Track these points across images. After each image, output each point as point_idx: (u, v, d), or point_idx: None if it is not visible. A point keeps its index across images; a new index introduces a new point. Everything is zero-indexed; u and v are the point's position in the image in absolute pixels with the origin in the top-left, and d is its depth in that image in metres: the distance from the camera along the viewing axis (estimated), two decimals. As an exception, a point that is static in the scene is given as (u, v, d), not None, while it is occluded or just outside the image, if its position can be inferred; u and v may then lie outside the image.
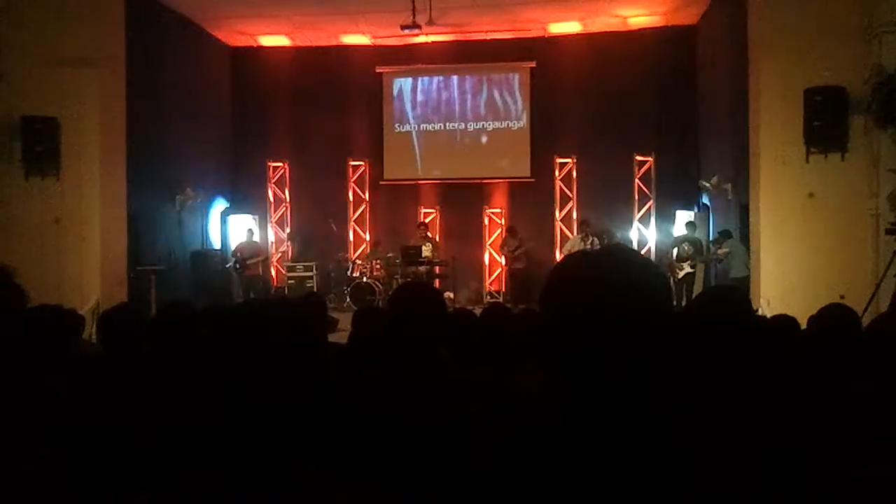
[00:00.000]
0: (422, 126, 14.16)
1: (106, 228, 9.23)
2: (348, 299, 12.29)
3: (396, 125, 14.21)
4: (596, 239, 11.81)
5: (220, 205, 13.71)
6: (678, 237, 11.19)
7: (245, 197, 14.22)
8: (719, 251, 10.12)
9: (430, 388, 2.04)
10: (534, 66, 13.70)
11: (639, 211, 13.41)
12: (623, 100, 13.08)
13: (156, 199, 11.42)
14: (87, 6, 9.10)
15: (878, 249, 7.53)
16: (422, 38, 13.18)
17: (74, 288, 8.67)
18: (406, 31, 11.53)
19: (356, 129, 14.20)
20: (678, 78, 13.09)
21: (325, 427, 1.72)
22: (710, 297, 2.39)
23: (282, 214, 14.37)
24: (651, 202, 13.31)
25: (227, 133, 14.26)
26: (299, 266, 13.50)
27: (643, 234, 13.46)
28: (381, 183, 14.17)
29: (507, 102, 13.96)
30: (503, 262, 13.42)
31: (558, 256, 12.80)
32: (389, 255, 12.73)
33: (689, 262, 10.61)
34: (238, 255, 12.43)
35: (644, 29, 13.11)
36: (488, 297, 13.54)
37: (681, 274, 10.59)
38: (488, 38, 13.54)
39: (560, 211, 13.59)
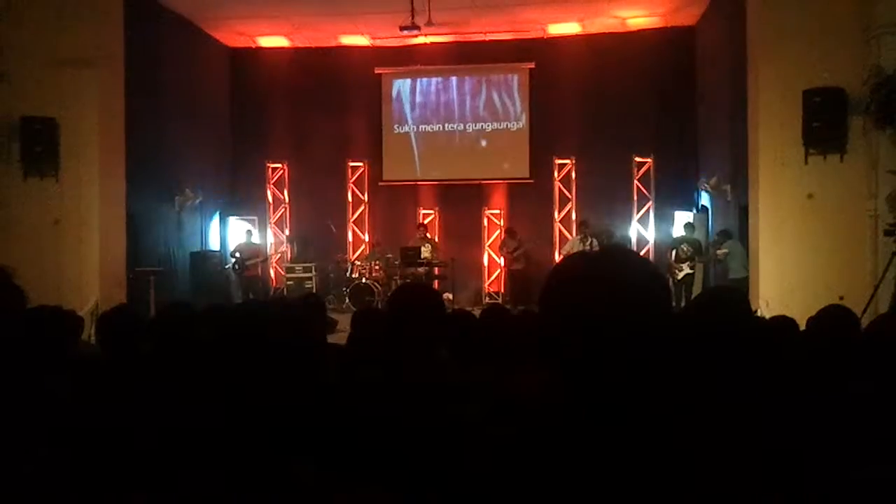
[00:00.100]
0: (421, 127, 14.15)
1: (105, 229, 9.22)
2: (347, 300, 12.28)
3: (395, 126, 14.20)
4: (595, 240, 11.80)
5: (219, 206, 13.70)
6: (677, 238, 11.18)
7: (244, 198, 14.22)
8: (718, 252, 10.12)
9: (430, 389, 2.04)
10: (533, 67, 13.70)
11: (638, 212, 13.40)
12: (622, 101, 13.08)
13: (155, 200, 11.42)
14: (87, 6, 9.09)
15: (877, 250, 7.53)
16: (421, 39, 13.17)
17: (73, 289, 8.66)
18: (405, 32, 11.50)
19: (355, 130, 14.19)
20: (677, 79, 13.10)
21: (325, 428, 1.72)
22: (709, 298, 2.39)
23: (281, 215, 14.35)
24: (650, 203, 13.31)
25: (227, 134, 14.26)
26: (298, 267, 13.48)
27: (642, 234, 13.45)
28: (380, 184, 14.16)
29: (506, 103, 13.96)
30: (502, 263, 13.41)
31: (557, 257, 12.80)
32: (388, 256, 12.72)
33: (688, 262, 10.61)
34: (237, 256, 12.43)
35: (643, 30, 13.11)
36: (487, 298, 13.54)
37: (680, 275, 10.58)
38: (487, 39, 13.54)
39: (559, 212, 13.58)
